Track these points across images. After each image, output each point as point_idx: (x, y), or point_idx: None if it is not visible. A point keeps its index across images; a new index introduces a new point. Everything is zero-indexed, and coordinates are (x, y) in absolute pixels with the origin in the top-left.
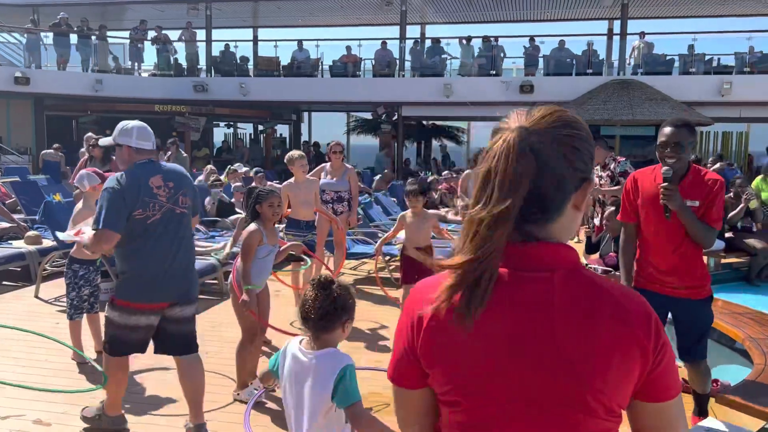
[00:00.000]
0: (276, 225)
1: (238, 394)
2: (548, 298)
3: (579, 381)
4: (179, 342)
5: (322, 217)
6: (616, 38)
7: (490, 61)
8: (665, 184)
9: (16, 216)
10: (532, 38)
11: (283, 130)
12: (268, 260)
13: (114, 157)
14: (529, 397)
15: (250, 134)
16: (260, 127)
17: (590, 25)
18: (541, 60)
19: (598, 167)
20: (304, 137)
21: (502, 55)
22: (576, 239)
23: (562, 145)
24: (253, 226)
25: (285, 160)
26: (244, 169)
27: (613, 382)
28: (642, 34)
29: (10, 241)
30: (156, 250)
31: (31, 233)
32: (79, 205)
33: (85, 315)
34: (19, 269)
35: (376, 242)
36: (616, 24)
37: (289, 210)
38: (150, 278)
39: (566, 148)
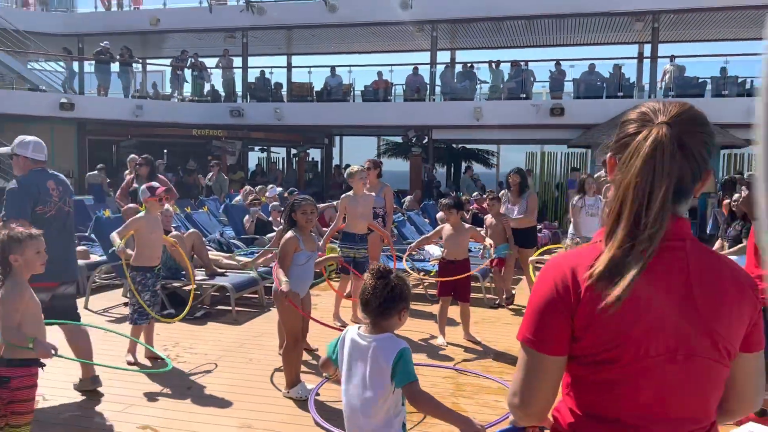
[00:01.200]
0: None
1: (288, 392)
2: (685, 264)
3: (713, 331)
4: (66, 313)
5: (373, 233)
6: (647, 61)
7: (519, 85)
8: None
9: None
10: (558, 63)
11: (315, 154)
12: (308, 267)
13: (159, 175)
14: (676, 349)
15: (283, 158)
16: (293, 151)
17: (620, 49)
18: (570, 84)
19: None
20: (336, 161)
21: (532, 79)
22: None
23: (699, 140)
24: (290, 234)
25: (345, 175)
26: (279, 189)
27: (734, 331)
28: (672, 58)
29: None
30: (53, 239)
31: (79, 248)
32: (141, 214)
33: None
34: None
35: (409, 259)
36: (647, 47)
37: (344, 224)
38: (50, 262)
39: (701, 142)
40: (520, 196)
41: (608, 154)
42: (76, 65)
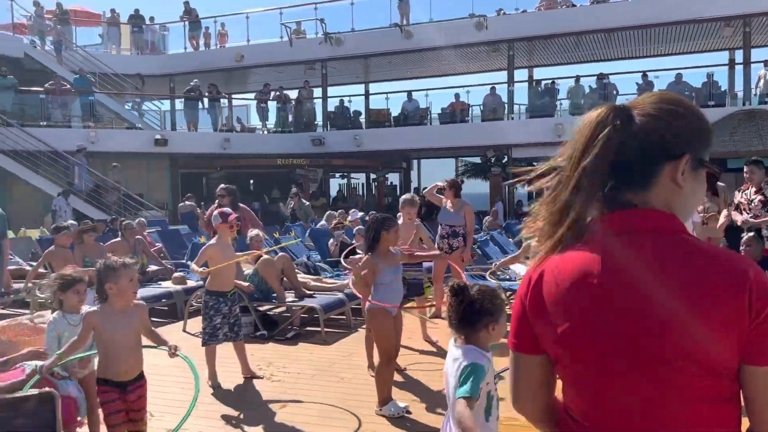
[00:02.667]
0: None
1: (380, 410)
2: (643, 259)
3: (676, 334)
4: None
5: (456, 251)
6: (739, 68)
7: (602, 99)
8: None
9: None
10: (644, 74)
11: (393, 178)
12: (395, 287)
13: (241, 204)
14: (624, 353)
15: (363, 183)
16: (372, 176)
17: (709, 57)
18: None
19: (752, 190)
20: (414, 184)
21: (614, 92)
22: None
23: (653, 119)
24: (366, 257)
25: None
26: (360, 214)
27: (711, 334)
28: (767, 62)
29: (159, 282)
30: None
31: (177, 275)
32: (213, 240)
33: (231, 343)
34: (166, 308)
35: (492, 278)
36: (738, 53)
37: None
38: None
39: (658, 121)
40: None
41: None
42: (168, 104)
